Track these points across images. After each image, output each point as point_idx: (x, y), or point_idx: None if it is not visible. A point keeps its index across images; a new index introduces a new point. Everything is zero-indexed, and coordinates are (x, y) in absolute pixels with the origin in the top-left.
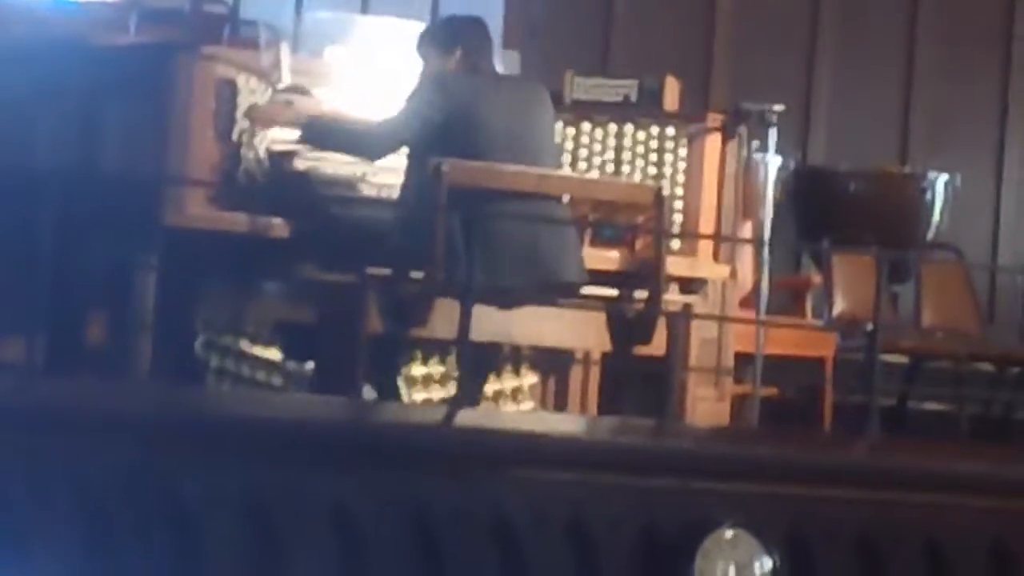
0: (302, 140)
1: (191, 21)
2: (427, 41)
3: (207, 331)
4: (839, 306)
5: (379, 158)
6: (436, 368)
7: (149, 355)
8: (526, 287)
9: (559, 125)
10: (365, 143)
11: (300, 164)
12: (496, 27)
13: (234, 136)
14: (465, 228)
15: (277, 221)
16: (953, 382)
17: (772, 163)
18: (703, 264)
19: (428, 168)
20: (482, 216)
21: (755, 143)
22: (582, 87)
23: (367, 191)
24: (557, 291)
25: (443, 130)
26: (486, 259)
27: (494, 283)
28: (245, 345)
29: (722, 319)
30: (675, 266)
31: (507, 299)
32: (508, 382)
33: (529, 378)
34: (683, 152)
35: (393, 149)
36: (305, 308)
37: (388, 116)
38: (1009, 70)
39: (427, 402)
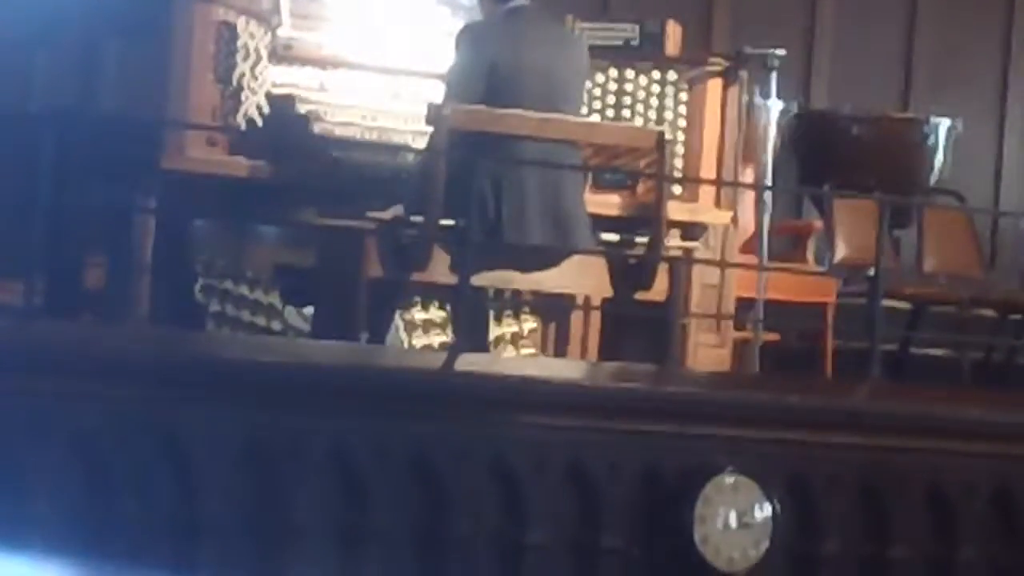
0: None
1: None
2: None
3: (207, 275)
4: (841, 251)
5: None
6: (437, 313)
7: (148, 299)
8: (549, 249)
9: None
10: None
11: (301, 107)
12: None
13: (234, 80)
14: (494, 182)
15: (276, 165)
16: (955, 328)
17: (774, 108)
18: (704, 209)
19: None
20: (505, 166)
21: (756, 88)
22: (583, 32)
23: (369, 136)
24: (569, 253)
25: (484, 83)
26: (514, 212)
27: (522, 238)
28: (244, 290)
29: (723, 264)
30: (676, 211)
31: (530, 263)
32: (508, 327)
33: (529, 323)
34: (684, 97)
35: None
36: (305, 252)
37: (446, 84)
38: (1012, 14)
39: (427, 347)
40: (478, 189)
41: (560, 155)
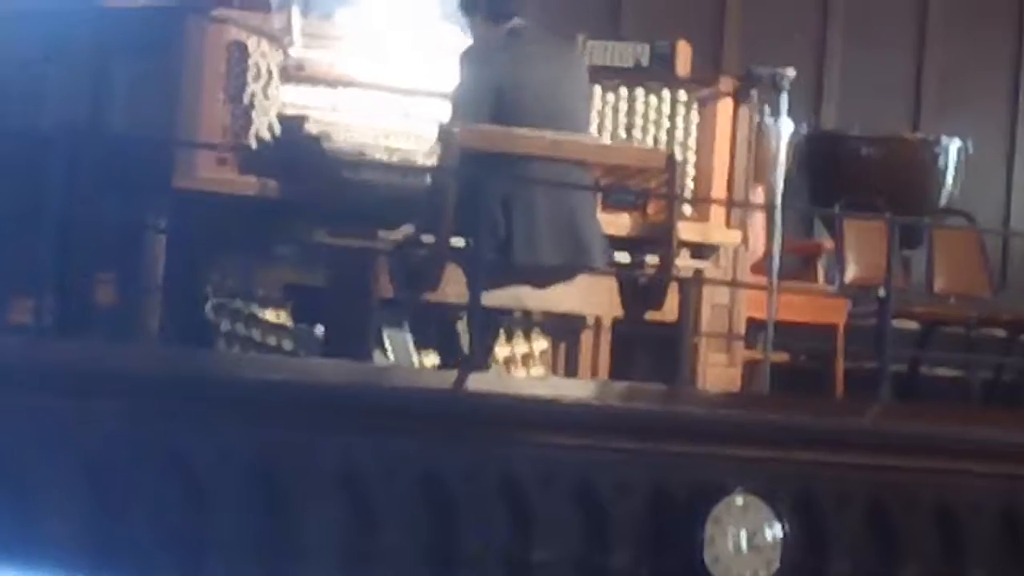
0: None
1: None
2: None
3: (217, 295)
4: (851, 272)
5: None
6: None
7: (159, 318)
8: (563, 265)
9: None
10: None
11: (312, 127)
12: None
13: (245, 100)
14: (504, 200)
15: (287, 184)
16: (964, 348)
17: (784, 128)
18: (715, 229)
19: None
20: (516, 185)
21: (767, 108)
22: (593, 51)
23: (380, 156)
24: (584, 270)
25: (491, 104)
26: (525, 232)
27: (534, 258)
28: (255, 309)
29: (734, 284)
30: (687, 231)
31: (543, 278)
32: (519, 347)
33: (540, 343)
34: (695, 117)
35: None
36: (315, 272)
37: (452, 106)
38: (1022, 34)
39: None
40: (488, 209)
41: (570, 175)
